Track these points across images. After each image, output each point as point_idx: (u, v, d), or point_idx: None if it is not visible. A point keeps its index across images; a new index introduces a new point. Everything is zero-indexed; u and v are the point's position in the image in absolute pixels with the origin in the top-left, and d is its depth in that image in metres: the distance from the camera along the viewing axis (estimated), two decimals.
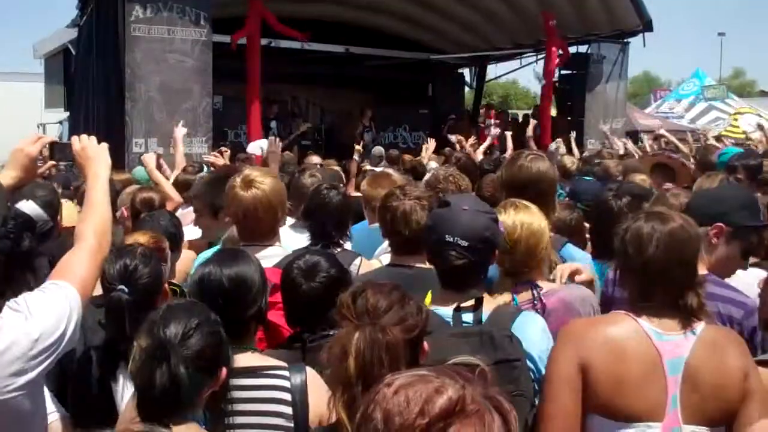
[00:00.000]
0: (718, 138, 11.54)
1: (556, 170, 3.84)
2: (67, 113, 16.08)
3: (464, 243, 2.47)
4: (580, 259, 3.32)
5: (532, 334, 2.48)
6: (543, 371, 2.44)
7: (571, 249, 3.37)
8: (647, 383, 2.27)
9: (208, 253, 3.79)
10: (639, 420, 2.25)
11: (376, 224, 4.19)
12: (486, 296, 2.53)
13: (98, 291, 3.38)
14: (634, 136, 15.67)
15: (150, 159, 6.23)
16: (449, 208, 2.61)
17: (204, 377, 2.11)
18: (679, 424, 2.25)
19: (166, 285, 2.92)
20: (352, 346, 1.84)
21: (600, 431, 2.30)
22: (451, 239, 2.49)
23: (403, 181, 4.39)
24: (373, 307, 1.94)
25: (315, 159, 9.25)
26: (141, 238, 3.17)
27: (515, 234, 2.81)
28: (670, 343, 2.30)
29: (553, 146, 10.68)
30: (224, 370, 2.17)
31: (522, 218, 2.86)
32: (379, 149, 11.63)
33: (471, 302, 2.41)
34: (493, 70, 19.54)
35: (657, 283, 2.36)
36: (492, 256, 2.59)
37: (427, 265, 2.91)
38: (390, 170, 6.82)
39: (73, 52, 14.38)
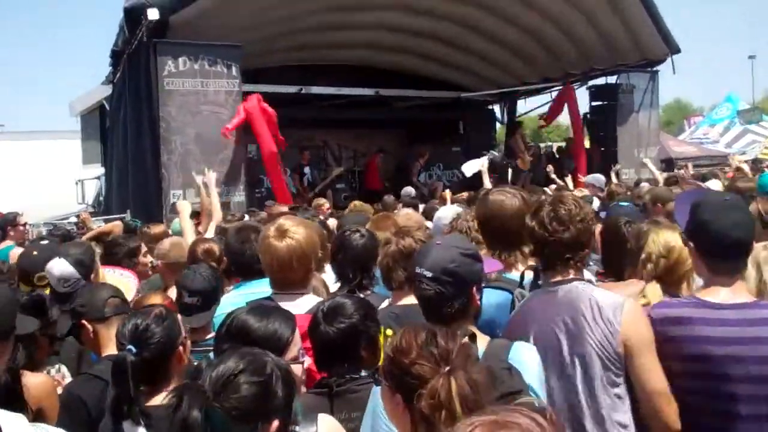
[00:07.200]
0: (755, 161, 11.32)
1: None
2: (104, 168, 16.34)
3: (428, 274, 2.58)
4: None
5: (530, 363, 2.51)
6: (545, 400, 2.47)
7: None
8: None
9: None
10: None
11: None
12: (478, 332, 2.55)
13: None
14: (669, 164, 15.50)
15: (184, 207, 6.20)
16: (427, 243, 2.81)
17: (242, 428, 1.88)
18: None
19: (183, 347, 2.80)
20: (454, 393, 1.83)
21: None
22: (419, 270, 2.61)
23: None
24: (445, 351, 1.95)
25: (322, 201, 9.45)
26: (156, 299, 3.13)
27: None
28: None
29: (589, 178, 10.61)
30: (275, 423, 1.93)
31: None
32: (409, 189, 11.71)
33: (465, 339, 2.38)
34: (523, 105, 19.46)
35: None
36: (467, 289, 2.61)
37: None
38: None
39: (108, 108, 14.64)
